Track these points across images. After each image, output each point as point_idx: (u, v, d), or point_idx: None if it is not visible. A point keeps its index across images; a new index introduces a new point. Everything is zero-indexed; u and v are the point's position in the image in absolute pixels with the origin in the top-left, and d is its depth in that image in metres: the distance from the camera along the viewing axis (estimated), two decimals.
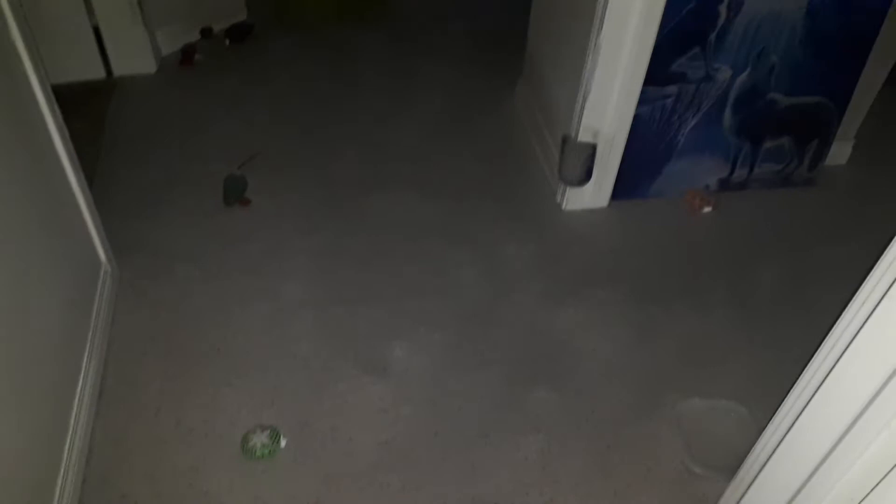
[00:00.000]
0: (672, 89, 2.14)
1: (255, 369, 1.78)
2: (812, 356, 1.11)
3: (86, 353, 1.66)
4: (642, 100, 2.11)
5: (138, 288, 1.98)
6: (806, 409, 1.07)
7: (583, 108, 2.09)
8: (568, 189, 2.30)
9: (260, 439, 1.58)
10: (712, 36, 2.05)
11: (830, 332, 1.05)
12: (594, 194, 2.32)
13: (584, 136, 2.16)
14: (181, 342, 1.84)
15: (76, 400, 1.56)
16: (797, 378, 1.16)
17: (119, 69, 2.86)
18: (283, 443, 1.61)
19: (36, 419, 1.38)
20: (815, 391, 1.04)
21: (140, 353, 1.80)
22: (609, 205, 2.37)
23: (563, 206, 2.35)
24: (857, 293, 0.98)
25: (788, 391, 1.19)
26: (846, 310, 1.01)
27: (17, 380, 1.31)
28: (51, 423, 1.44)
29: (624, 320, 1.99)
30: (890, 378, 0.89)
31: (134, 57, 2.85)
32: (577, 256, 2.19)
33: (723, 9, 2.00)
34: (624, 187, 2.34)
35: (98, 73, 2.83)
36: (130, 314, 1.90)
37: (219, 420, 1.66)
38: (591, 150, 2.17)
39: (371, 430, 1.67)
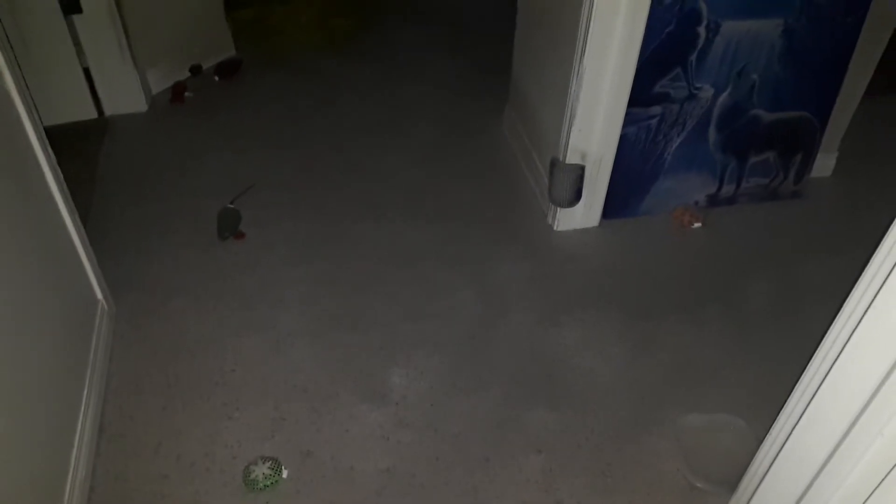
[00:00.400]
0: (656, 110, 2.18)
1: (254, 401, 1.78)
2: (805, 368, 1.13)
3: (85, 391, 1.66)
4: (628, 121, 2.15)
5: (135, 324, 1.99)
6: (801, 420, 1.09)
7: (569, 131, 2.13)
8: (559, 210, 2.33)
9: (262, 471, 1.58)
10: (693, 56, 2.10)
11: (821, 344, 1.07)
12: (585, 214, 2.35)
13: (572, 159, 2.19)
14: (179, 376, 1.84)
15: (76, 437, 1.56)
16: (792, 390, 1.18)
17: (110, 109, 2.89)
18: (284, 473, 1.61)
19: (37, 458, 1.38)
20: (809, 402, 1.06)
21: (139, 389, 1.80)
22: (600, 224, 2.40)
23: (555, 227, 2.38)
24: (845, 304, 1.00)
25: (784, 403, 1.20)
26: (835, 321, 1.03)
27: (18, 419, 1.31)
28: (52, 462, 1.44)
29: (619, 338, 2.00)
30: (880, 386, 0.91)
31: (125, 96, 2.88)
32: (571, 276, 2.21)
33: (702, 30, 2.05)
34: (614, 206, 2.37)
35: (90, 113, 2.86)
36: (128, 350, 1.91)
37: (220, 453, 1.66)
38: (580, 171, 2.20)
39: (372, 457, 1.67)
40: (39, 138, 1.62)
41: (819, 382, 1.03)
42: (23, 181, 1.54)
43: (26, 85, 1.58)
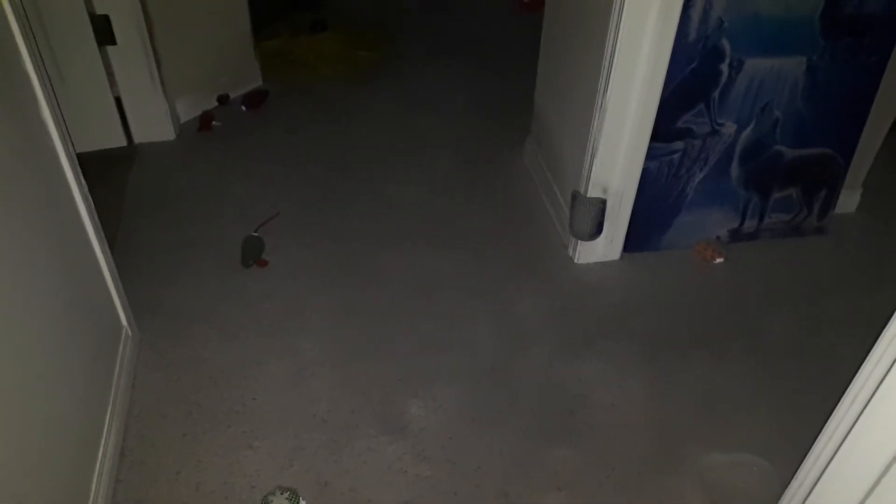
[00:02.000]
0: (679, 145, 2.19)
1: (274, 430, 1.79)
2: (833, 409, 1.11)
3: (107, 416, 1.68)
4: (650, 155, 2.15)
5: (158, 350, 2.00)
6: (830, 465, 1.07)
7: (591, 164, 2.14)
8: (580, 243, 2.33)
9: (279, 501, 1.58)
10: (716, 93, 2.11)
11: (850, 385, 1.05)
12: (606, 247, 2.35)
13: (593, 192, 2.20)
14: (201, 404, 1.85)
15: (98, 463, 1.57)
16: (818, 431, 1.16)
17: (140, 137, 2.95)
18: None
19: (59, 482, 1.39)
20: (839, 446, 1.04)
21: (160, 416, 1.81)
22: (621, 257, 2.39)
23: (576, 260, 2.38)
24: (876, 345, 0.99)
25: (810, 444, 1.18)
26: (866, 361, 1.01)
27: (42, 444, 1.33)
28: (73, 486, 1.45)
29: (640, 373, 1.98)
30: None
31: (154, 125, 2.94)
32: (592, 309, 2.20)
33: (724, 67, 2.06)
34: (635, 240, 2.37)
35: (119, 141, 2.92)
36: (150, 376, 1.92)
37: (238, 482, 1.66)
38: (602, 205, 2.21)
39: (390, 490, 1.66)
40: (72, 167, 1.65)
41: (850, 425, 1.01)
42: (54, 208, 1.58)
43: (62, 114, 1.63)
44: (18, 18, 1.45)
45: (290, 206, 2.60)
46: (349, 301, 2.20)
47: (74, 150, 1.68)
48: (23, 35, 1.46)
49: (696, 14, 1.94)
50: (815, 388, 1.88)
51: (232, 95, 3.29)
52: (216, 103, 3.24)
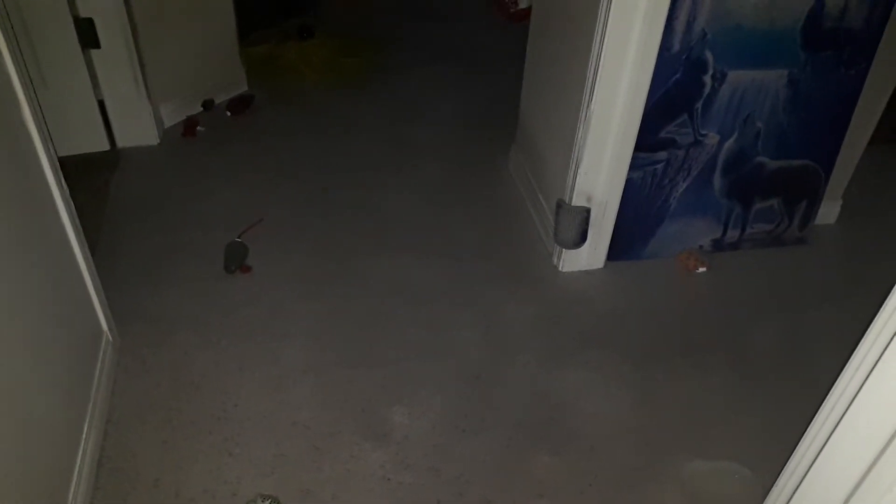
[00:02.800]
0: (662, 155, 2.21)
1: (255, 437, 1.77)
2: (812, 419, 1.12)
3: (86, 423, 1.66)
4: (633, 165, 2.17)
5: (139, 356, 1.98)
6: (809, 472, 1.08)
7: (576, 174, 2.15)
8: (564, 251, 2.34)
9: None
10: (699, 104, 2.13)
11: (829, 394, 1.06)
12: (590, 256, 2.36)
13: (577, 201, 2.21)
14: (181, 410, 1.83)
15: (76, 470, 1.55)
16: (798, 439, 1.17)
17: (123, 141, 2.93)
18: None
19: (37, 489, 1.37)
20: (818, 454, 1.05)
21: (140, 422, 1.79)
22: (605, 266, 2.40)
23: (560, 268, 2.38)
24: (854, 355, 1.00)
25: (791, 452, 1.19)
26: (843, 371, 1.02)
27: (18, 449, 1.31)
28: (51, 494, 1.43)
29: (624, 382, 1.99)
30: (890, 441, 0.91)
31: (138, 129, 2.92)
32: (576, 318, 2.21)
33: (707, 79, 2.08)
34: (619, 249, 2.38)
35: (102, 145, 2.90)
36: (131, 382, 1.90)
37: (219, 490, 1.64)
38: (586, 213, 2.22)
39: (373, 498, 1.65)
40: (54, 170, 1.64)
41: (828, 433, 1.02)
42: (35, 212, 1.56)
43: (43, 117, 1.61)
44: (0, 20, 1.44)
45: (275, 213, 2.59)
46: (333, 308, 2.19)
47: (56, 153, 1.67)
48: (4, 37, 1.45)
49: (679, 26, 1.96)
50: (796, 396, 1.89)
51: (217, 101, 3.27)
52: (201, 108, 3.22)
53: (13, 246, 1.39)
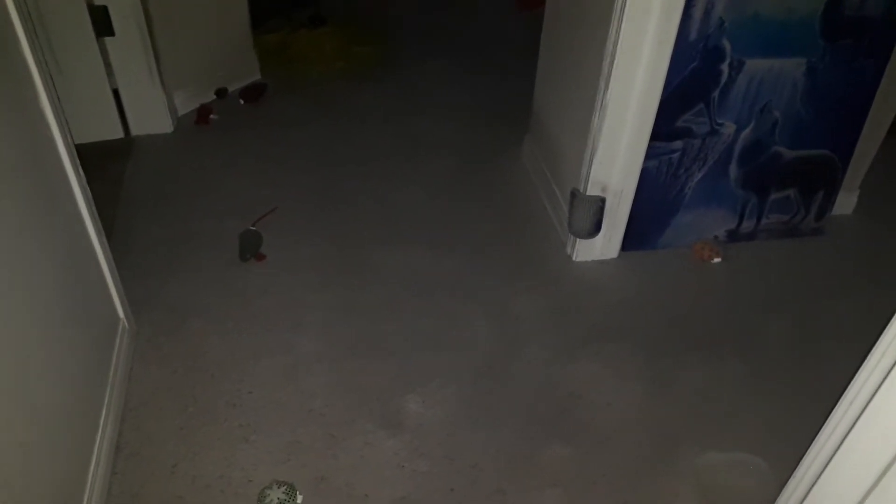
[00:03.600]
0: (678, 144, 2.19)
1: (270, 424, 1.78)
2: (831, 410, 1.11)
3: (104, 409, 1.67)
4: (649, 154, 2.16)
5: (155, 343, 2.00)
6: (828, 466, 1.07)
7: (591, 163, 2.14)
8: (578, 241, 2.33)
9: (276, 495, 1.58)
10: (716, 93, 2.11)
11: (849, 387, 1.05)
12: (604, 246, 2.35)
13: (592, 190, 2.20)
14: (197, 397, 1.85)
15: (94, 456, 1.56)
16: (814, 431, 1.16)
17: (137, 129, 2.94)
18: (299, 499, 1.60)
19: (56, 474, 1.39)
20: (836, 448, 1.04)
21: (157, 409, 1.81)
22: (619, 256, 2.39)
23: (574, 258, 2.38)
24: (874, 348, 0.99)
25: (806, 445, 1.19)
26: (864, 364, 1.01)
27: (38, 435, 1.32)
28: (70, 478, 1.44)
29: (637, 373, 1.99)
30: None
31: (151, 117, 2.93)
32: (589, 308, 2.20)
33: (725, 67, 2.06)
34: (633, 239, 2.37)
35: (116, 133, 2.91)
36: (147, 369, 1.92)
37: (235, 476, 1.65)
38: (600, 203, 2.21)
39: (387, 485, 1.66)
40: (71, 158, 1.65)
41: (848, 427, 1.02)
42: (52, 199, 1.57)
43: (61, 107, 1.62)
44: (18, 8, 1.44)
45: (288, 202, 2.59)
46: (346, 298, 2.19)
47: (73, 141, 1.67)
48: (23, 25, 1.45)
49: (697, 14, 1.94)
50: (811, 388, 1.89)
51: (230, 89, 3.27)
52: (214, 96, 3.23)
53: (31, 233, 1.40)
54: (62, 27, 2.59)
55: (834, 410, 1.10)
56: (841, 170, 2.40)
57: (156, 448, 1.71)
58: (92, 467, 1.54)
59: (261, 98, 3.28)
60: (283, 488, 1.59)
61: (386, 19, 4.11)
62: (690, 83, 2.07)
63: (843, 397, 1.07)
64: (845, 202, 2.59)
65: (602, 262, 2.38)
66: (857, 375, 1.03)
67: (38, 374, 1.35)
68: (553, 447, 1.77)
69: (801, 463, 1.21)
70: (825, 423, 1.13)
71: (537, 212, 2.62)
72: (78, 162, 1.69)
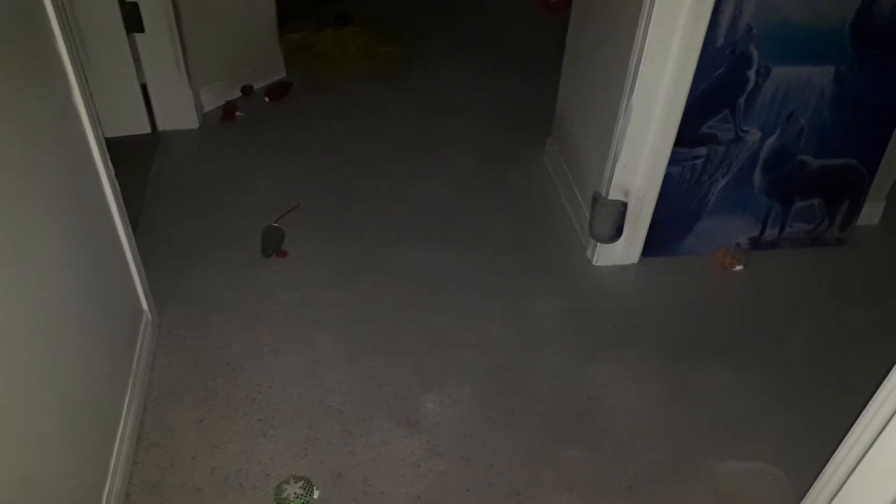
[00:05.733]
0: (702, 150, 2.18)
1: (289, 419, 1.80)
2: (853, 422, 1.10)
3: (126, 399, 1.70)
4: (673, 160, 2.15)
5: (177, 336, 2.03)
6: (849, 479, 1.06)
7: (613, 167, 2.14)
8: (598, 245, 2.33)
9: (293, 490, 1.59)
10: (741, 99, 2.10)
11: (873, 399, 1.04)
12: (625, 251, 2.35)
13: (614, 195, 2.19)
14: (217, 390, 1.87)
15: (116, 445, 1.59)
16: (834, 442, 1.15)
17: (164, 125, 2.98)
18: (315, 494, 1.61)
19: (78, 463, 1.41)
20: (858, 461, 1.04)
21: (178, 401, 1.83)
22: (639, 261, 2.39)
23: (594, 262, 2.37)
24: None
25: (826, 456, 1.18)
26: (888, 377, 1.01)
27: (62, 423, 1.35)
28: (92, 466, 1.47)
29: (656, 378, 1.98)
30: None
31: (178, 113, 2.97)
32: (608, 312, 2.20)
33: (751, 74, 2.05)
34: (654, 244, 2.36)
35: (143, 128, 2.95)
36: (169, 361, 1.95)
37: (253, 469, 1.67)
38: (622, 208, 2.20)
39: (403, 483, 1.67)
40: (101, 151, 1.67)
41: (871, 439, 1.01)
42: (82, 192, 1.60)
43: (93, 102, 1.65)
44: (54, 2, 1.47)
45: (311, 200, 2.61)
46: (366, 295, 2.21)
47: (104, 135, 1.70)
48: (58, 19, 1.48)
49: (724, 20, 1.93)
50: (831, 399, 1.87)
51: (256, 86, 3.31)
52: (240, 94, 3.26)
53: (61, 223, 1.43)
54: (93, 22, 2.64)
55: (856, 423, 1.09)
56: (867, 180, 2.37)
57: (176, 439, 1.74)
58: (115, 454, 1.57)
59: (286, 96, 3.30)
60: (300, 483, 1.61)
61: (411, 20, 4.12)
62: (716, 89, 2.06)
63: (865, 409, 1.07)
64: (871, 212, 2.56)
65: (622, 267, 2.37)
66: (880, 388, 1.02)
67: (64, 362, 1.38)
68: (570, 450, 1.77)
69: (820, 475, 1.20)
70: (846, 436, 1.12)
71: (558, 214, 2.62)
72: (108, 156, 1.71)
